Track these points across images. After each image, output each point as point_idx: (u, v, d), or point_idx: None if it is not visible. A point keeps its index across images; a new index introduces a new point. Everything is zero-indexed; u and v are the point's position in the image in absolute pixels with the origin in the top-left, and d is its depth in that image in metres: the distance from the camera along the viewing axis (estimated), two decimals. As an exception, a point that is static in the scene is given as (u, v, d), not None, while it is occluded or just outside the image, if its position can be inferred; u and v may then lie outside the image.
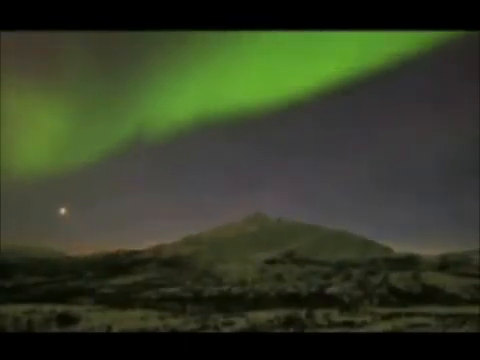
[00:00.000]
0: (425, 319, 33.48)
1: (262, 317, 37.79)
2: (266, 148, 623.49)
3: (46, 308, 43.83)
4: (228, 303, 77.93)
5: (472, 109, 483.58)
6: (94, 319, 39.39)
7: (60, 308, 44.36)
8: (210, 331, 30.29)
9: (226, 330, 30.05)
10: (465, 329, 25.61)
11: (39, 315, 39.15)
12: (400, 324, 30.23)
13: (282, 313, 39.36)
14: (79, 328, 34.47)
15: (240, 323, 34.30)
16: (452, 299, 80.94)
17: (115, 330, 31.18)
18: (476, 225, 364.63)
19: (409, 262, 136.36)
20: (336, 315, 40.82)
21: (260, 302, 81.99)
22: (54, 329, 34.17)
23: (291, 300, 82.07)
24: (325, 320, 35.31)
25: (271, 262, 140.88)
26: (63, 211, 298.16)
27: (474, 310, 44.93)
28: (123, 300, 79.31)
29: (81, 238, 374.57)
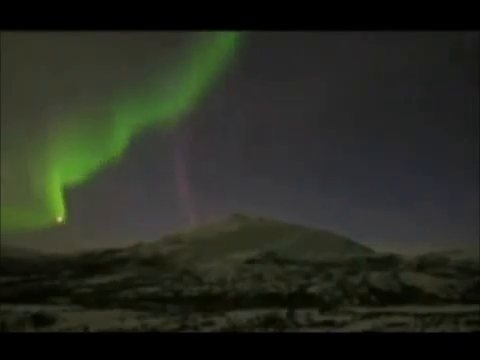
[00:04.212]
0: (404, 318, 33.81)
1: (242, 317, 37.53)
2: (251, 148, 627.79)
3: (20, 308, 42.58)
4: (208, 303, 77.57)
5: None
6: (70, 319, 38.43)
7: (35, 308, 43.14)
8: (190, 331, 29.88)
9: (206, 330, 29.67)
10: (441, 328, 25.89)
11: (12, 316, 37.94)
12: (379, 324, 30.40)
13: (262, 313, 39.19)
14: (55, 329, 33.55)
15: (220, 323, 33.98)
16: (430, 299, 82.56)
17: (92, 330, 30.39)
18: (459, 226, 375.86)
19: (389, 262, 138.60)
20: (316, 315, 40.91)
21: (240, 302, 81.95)
22: (29, 330, 33.12)
23: (271, 300, 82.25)
24: (305, 320, 35.30)
25: (252, 262, 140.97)
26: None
27: (450, 309, 45.77)
28: (101, 300, 78.05)
29: (58, 236, 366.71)
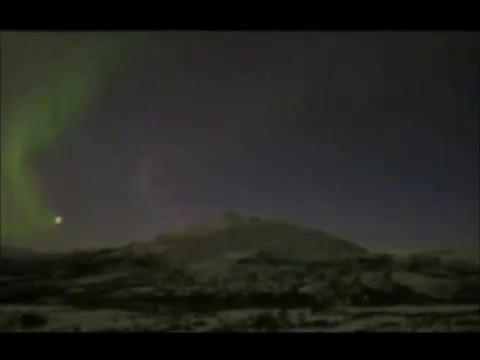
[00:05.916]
0: (396, 318, 33.97)
1: (235, 317, 37.53)
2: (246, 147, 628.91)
3: (10, 308, 42.19)
4: (201, 303, 77.39)
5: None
6: (62, 319, 38.18)
7: (25, 308, 42.78)
8: (182, 331, 29.80)
9: (198, 330, 29.60)
10: (433, 328, 26.04)
11: (3, 316, 37.59)
12: (372, 324, 30.52)
13: (255, 313, 39.20)
14: (46, 329, 33.28)
15: (212, 323, 33.94)
16: (422, 299, 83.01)
17: (84, 330, 30.17)
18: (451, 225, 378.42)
19: (381, 262, 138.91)
20: (309, 315, 40.99)
21: (233, 302, 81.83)
22: (19, 330, 32.80)
23: (264, 300, 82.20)
24: (298, 320, 35.35)
25: (244, 261, 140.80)
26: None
27: (442, 309, 46.03)
28: (93, 300, 77.61)
29: (50, 235, 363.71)
